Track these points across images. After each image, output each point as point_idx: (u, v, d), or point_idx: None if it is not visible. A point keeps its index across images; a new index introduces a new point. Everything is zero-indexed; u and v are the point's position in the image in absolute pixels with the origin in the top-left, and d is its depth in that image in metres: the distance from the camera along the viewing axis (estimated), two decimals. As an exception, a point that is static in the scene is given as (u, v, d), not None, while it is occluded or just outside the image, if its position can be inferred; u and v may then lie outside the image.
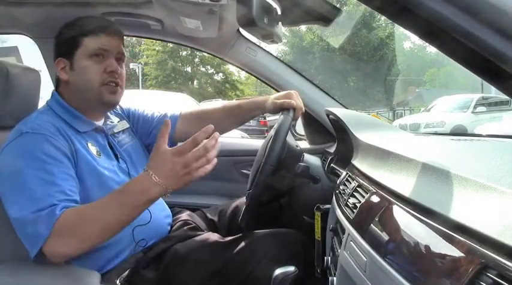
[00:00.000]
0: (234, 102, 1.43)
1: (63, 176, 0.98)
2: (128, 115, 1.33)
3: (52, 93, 1.16)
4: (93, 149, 1.11)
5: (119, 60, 1.15)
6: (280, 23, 0.94)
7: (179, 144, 0.98)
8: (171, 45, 19.21)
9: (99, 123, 1.18)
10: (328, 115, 1.54)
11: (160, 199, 1.27)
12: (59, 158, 0.99)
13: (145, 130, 1.34)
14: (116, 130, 1.23)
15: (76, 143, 1.06)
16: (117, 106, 1.29)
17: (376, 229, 0.69)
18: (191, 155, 0.90)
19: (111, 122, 1.22)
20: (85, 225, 0.92)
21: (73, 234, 0.92)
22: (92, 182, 1.06)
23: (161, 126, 0.94)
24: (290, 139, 1.33)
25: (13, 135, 1.02)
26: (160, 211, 1.23)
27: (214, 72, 24.79)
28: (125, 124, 1.29)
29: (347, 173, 1.09)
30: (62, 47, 1.14)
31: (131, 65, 20.50)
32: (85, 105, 1.14)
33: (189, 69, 24.58)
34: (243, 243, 1.16)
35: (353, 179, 1.00)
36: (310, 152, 1.49)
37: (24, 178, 0.94)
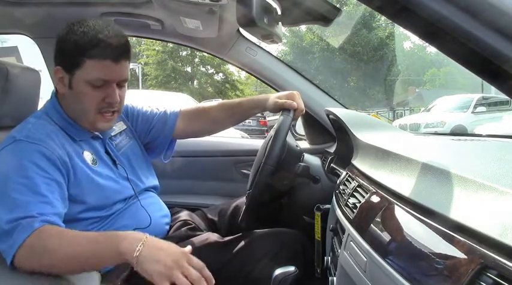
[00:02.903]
0: (234, 99, 1.43)
1: (49, 188, 0.95)
2: (126, 114, 1.31)
3: (51, 96, 1.13)
4: (88, 158, 1.09)
5: (121, 87, 1.09)
6: (280, 23, 0.94)
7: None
8: (171, 45, 19.19)
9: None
10: (328, 115, 1.54)
11: (158, 198, 1.27)
12: (47, 170, 0.96)
13: (144, 129, 1.33)
14: (113, 134, 1.21)
15: (71, 153, 1.04)
16: None
17: (376, 229, 0.69)
18: (190, 261, 0.86)
19: None
20: (55, 244, 0.87)
21: (42, 249, 0.86)
22: (89, 191, 1.05)
23: None
24: (290, 139, 1.33)
25: (6, 142, 0.99)
26: (157, 211, 1.22)
27: (214, 72, 24.75)
28: (122, 126, 1.27)
29: (347, 173, 1.09)
30: (62, 57, 1.06)
31: (131, 65, 20.32)
32: (80, 119, 1.10)
33: (189, 69, 24.53)
34: (242, 243, 1.16)
35: (353, 179, 1.00)
36: (310, 152, 1.49)
37: (8, 185, 0.92)
